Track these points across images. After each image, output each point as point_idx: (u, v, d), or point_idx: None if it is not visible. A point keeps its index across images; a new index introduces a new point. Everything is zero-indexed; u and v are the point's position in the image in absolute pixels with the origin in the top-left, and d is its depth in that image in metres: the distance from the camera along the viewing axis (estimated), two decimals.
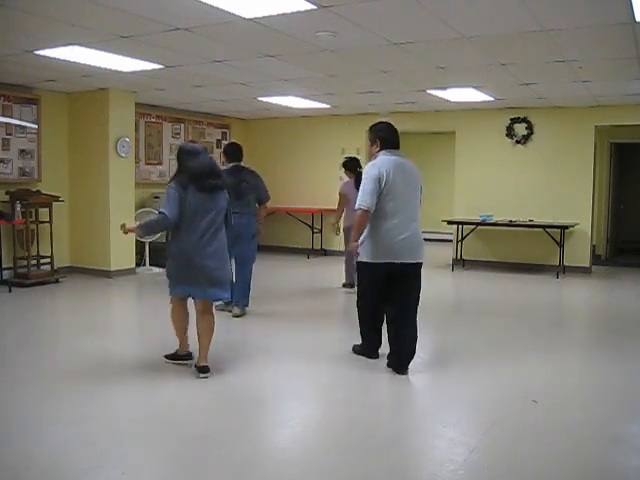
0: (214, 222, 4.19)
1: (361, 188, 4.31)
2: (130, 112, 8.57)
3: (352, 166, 7.39)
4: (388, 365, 4.43)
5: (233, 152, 6.11)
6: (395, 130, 4.49)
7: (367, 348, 4.70)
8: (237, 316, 6.00)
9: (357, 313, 4.73)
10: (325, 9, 4.41)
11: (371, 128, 4.56)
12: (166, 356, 4.54)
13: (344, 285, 7.62)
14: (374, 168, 4.30)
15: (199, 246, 4.12)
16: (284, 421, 3.61)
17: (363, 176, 4.40)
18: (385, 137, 4.44)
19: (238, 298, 5.97)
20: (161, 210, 4.10)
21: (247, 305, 6.17)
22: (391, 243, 4.28)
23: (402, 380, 4.40)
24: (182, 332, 4.48)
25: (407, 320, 4.39)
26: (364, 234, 4.39)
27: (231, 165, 6.04)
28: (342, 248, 10.68)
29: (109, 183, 8.23)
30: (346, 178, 7.52)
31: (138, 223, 4.26)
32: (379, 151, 4.42)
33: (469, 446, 3.16)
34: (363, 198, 4.25)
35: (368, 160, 4.61)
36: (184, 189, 4.08)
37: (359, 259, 4.49)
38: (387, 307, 4.50)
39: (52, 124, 8.23)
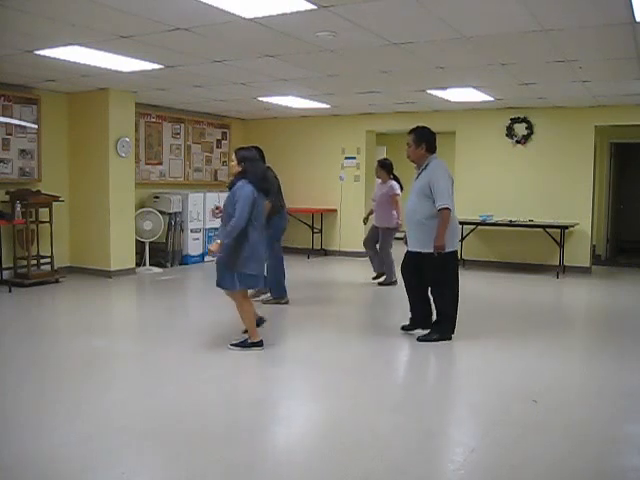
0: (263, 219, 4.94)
1: (443, 190, 4.86)
2: (130, 112, 8.57)
3: (392, 168, 7.93)
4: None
5: (262, 155, 6.28)
6: (435, 134, 5.16)
7: (453, 329, 5.18)
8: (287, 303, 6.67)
9: (447, 303, 5.10)
10: (325, 9, 4.41)
11: (415, 131, 5.12)
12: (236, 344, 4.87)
13: (381, 283, 7.98)
14: (445, 171, 5.00)
15: (263, 242, 4.84)
16: (284, 421, 3.61)
17: (438, 178, 4.90)
18: (432, 141, 5.07)
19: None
20: (244, 215, 4.57)
21: None
22: (459, 232, 5.21)
23: (401, 380, 4.40)
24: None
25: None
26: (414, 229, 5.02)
27: (265, 167, 6.24)
28: (349, 248, 10.74)
29: (109, 183, 8.22)
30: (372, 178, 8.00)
31: (221, 241, 4.66)
32: (426, 154, 5.03)
33: (469, 446, 3.17)
34: (449, 199, 4.88)
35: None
36: (257, 192, 4.70)
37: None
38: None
39: (52, 124, 8.23)
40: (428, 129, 5.14)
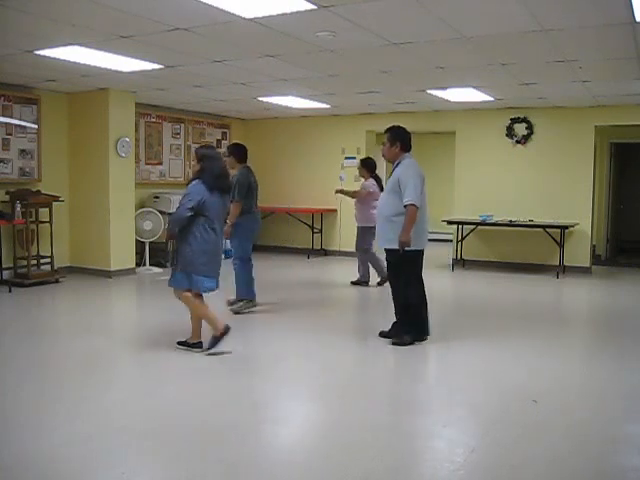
0: (223, 219, 4.86)
1: (412, 187, 4.84)
2: (130, 112, 8.57)
3: (373, 168, 7.80)
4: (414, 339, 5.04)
5: (244, 154, 6.22)
6: (410, 134, 5.16)
7: (419, 333, 5.11)
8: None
9: (401, 305, 5.06)
10: (325, 9, 4.41)
11: (391, 130, 5.13)
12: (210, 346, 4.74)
13: (380, 283, 7.75)
14: (416, 169, 4.98)
15: (219, 242, 4.73)
16: (284, 421, 3.61)
17: (407, 175, 4.89)
18: (406, 140, 5.10)
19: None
20: (187, 207, 4.51)
21: None
22: (426, 230, 5.11)
23: (401, 380, 4.40)
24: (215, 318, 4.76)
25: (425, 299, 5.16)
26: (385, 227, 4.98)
27: (245, 166, 6.17)
28: (349, 248, 10.71)
29: (109, 183, 8.23)
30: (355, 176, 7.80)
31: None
32: (400, 152, 5.04)
33: (469, 446, 3.17)
34: (417, 196, 4.85)
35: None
36: (210, 191, 4.56)
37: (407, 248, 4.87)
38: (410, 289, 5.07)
39: (52, 124, 8.23)
40: (403, 128, 5.16)
